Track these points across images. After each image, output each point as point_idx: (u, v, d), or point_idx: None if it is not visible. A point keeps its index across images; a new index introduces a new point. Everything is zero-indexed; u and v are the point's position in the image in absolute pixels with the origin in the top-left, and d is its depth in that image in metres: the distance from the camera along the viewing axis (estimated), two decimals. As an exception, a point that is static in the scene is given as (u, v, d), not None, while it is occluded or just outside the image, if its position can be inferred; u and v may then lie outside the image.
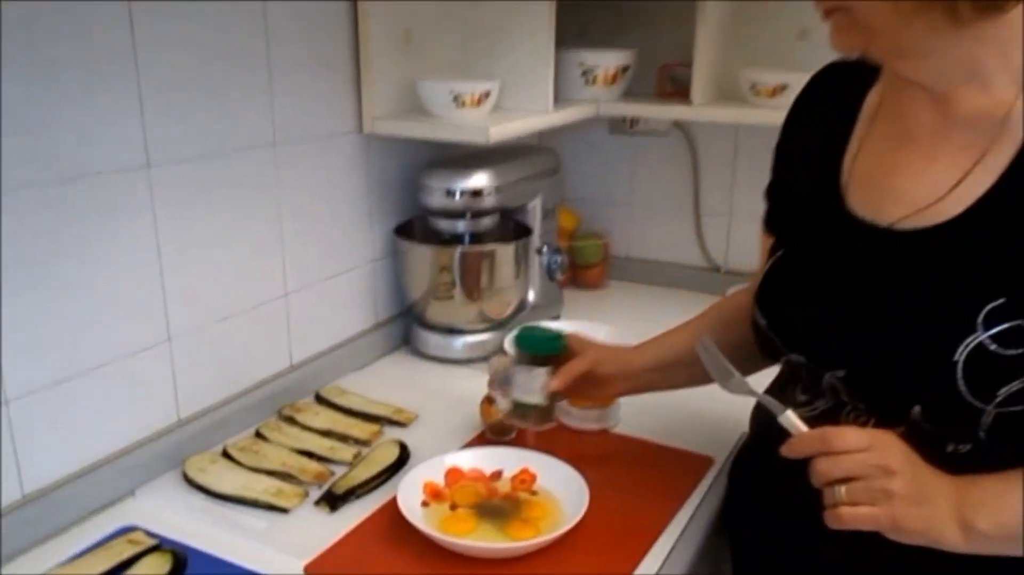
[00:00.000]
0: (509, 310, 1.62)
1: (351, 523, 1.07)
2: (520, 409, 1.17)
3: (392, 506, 1.05)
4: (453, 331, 1.58)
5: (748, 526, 1.10)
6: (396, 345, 1.63)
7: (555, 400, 1.16)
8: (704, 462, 1.23)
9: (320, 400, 1.39)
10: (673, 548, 1.05)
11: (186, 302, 1.20)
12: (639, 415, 1.34)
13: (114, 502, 1.11)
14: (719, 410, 1.32)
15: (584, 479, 1.09)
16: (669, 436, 1.29)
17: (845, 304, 0.89)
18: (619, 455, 1.26)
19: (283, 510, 1.09)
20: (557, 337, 1.17)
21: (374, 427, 1.30)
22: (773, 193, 1.07)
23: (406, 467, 1.20)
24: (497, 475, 1.15)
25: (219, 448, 1.22)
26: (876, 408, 0.88)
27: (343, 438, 1.27)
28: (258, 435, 1.27)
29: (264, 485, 1.13)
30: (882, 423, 0.86)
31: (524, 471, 1.15)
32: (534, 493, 1.12)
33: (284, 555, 1.01)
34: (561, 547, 1.00)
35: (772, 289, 0.99)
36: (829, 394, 0.92)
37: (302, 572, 0.98)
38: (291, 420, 1.31)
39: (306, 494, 1.13)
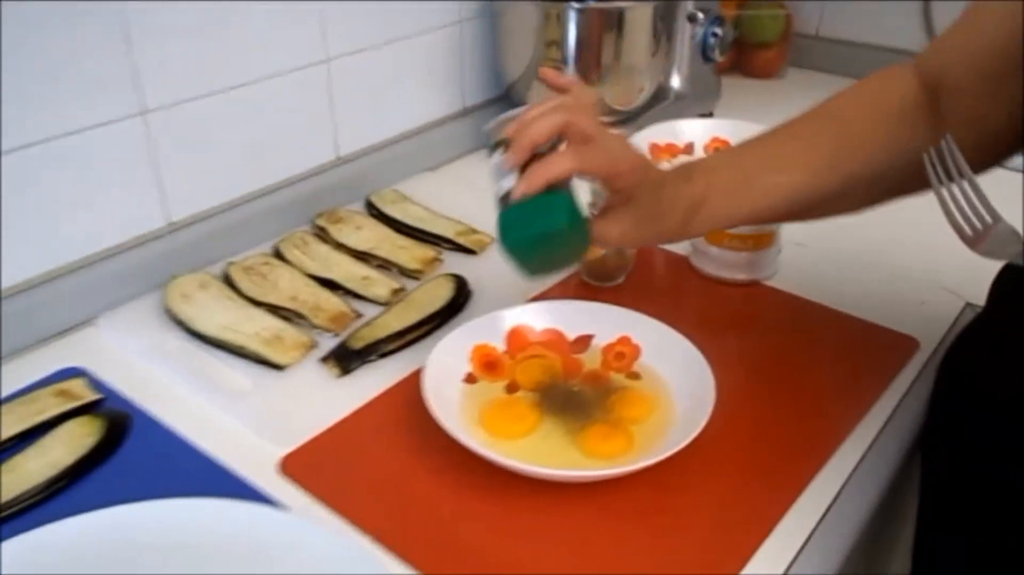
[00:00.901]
0: (641, 98, 1.17)
1: (366, 395, 0.74)
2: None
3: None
4: (562, 125, 1.16)
5: (960, 448, 0.70)
6: (483, 142, 1.24)
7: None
8: (905, 346, 0.81)
9: (370, 208, 1.04)
10: (849, 478, 0.67)
11: (165, 64, 0.85)
12: (803, 263, 0.92)
13: (65, 332, 0.83)
14: (929, 267, 0.88)
15: (709, 364, 0.70)
16: (850, 301, 0.86)
17: None
18: (771, 322, 0.86)
19: (277, 366, 0.78)
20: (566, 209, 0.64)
21: (430, 252, 0.94)
22: None
23: (459, 316, 0.85)
24: (584, 343, 0.78)
25: (220, 267, 0.91)
26: None
27: (384, 265, 0.93)
28: (276, 254, 0.94)
29: (260, 326, 0.81)
30: None
31: (623, 341, 0.77)
32: (635, 376, 0.75)
33: (258, 436, 0.70)
34: (667, 467, 0.64)
35: None
36: None
37: (275, 468, 0.67)
38: (323, 233, 0.98)
39: (313, 344, 0.80)
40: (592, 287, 0.90)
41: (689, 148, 1.07)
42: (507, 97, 1.23)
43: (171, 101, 0.87)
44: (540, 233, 0.64)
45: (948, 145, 0.61)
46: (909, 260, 0.95)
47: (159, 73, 0.85)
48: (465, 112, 1.22)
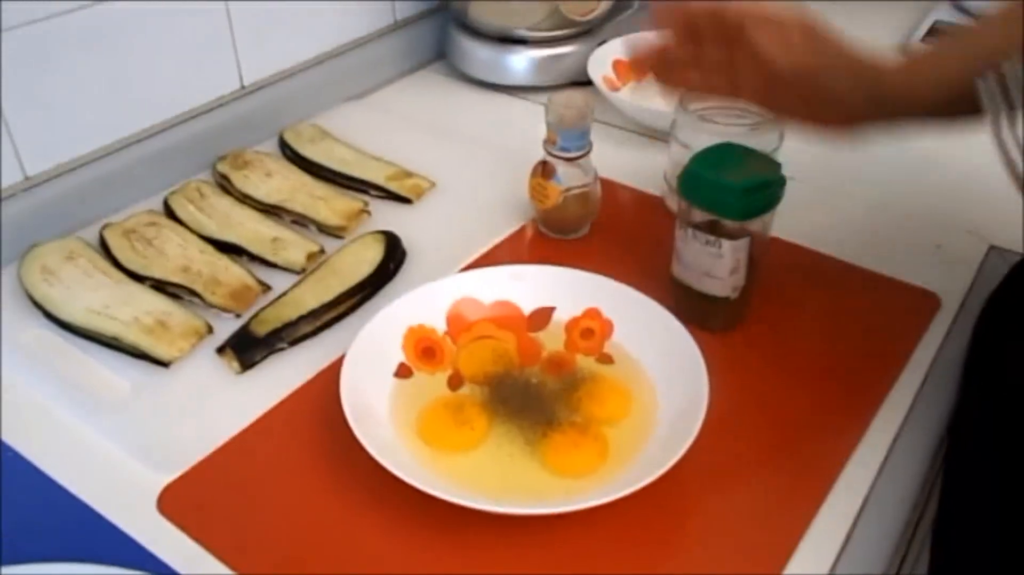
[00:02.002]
0: (601, 8, 1.00)
1: (273, 396, 0.59)
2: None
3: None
4: (508, 40, 0.99)
5: (993, 430, 0.58)
6: (420, 62, 1.06)
7: None
8: (923, 304, 0.68)
9: (284, 149, 0.87)
10: (879, 472, 0.54)
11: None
12: (796, 203, 0.78)
13: None
14: (942, 203, 0.76)
15: (696, 343, 0.56)
16: (853, 248, 0.73)
17: None
18: (765, 279, 0.72)
19: (160, 362, 0.62)
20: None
21: (355, 203, 0.78)
22: None
23: (390, 286, 0.69)
24: (543, 318, 0.64)
25: (95, 229, 0.74)
26: None
27: (300, 221, 0.77)
28: (167, 211, 0.77)
29: (140, 309, 0.65)
30: None
31: (591, 314, 0.62)
32: (606, 359, 0.61)
33: (136, 460, 0.55)
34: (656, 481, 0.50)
35: None
36: None
37: (155, 503, 0.53)
38: (225, 182, 0.81)
39: (207, 330, 0.65)
40: (551, 241, 0.75)
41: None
42: (446, 8, 1.04)
43: (18, 21, 0.68)
44: None
45: (1013, 69, 0.47)
46: (919, 195, 0.81)
47: (-11, -13, 0.66)
48: (396, 27, 1.03)
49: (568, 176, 0.71)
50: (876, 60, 0.55)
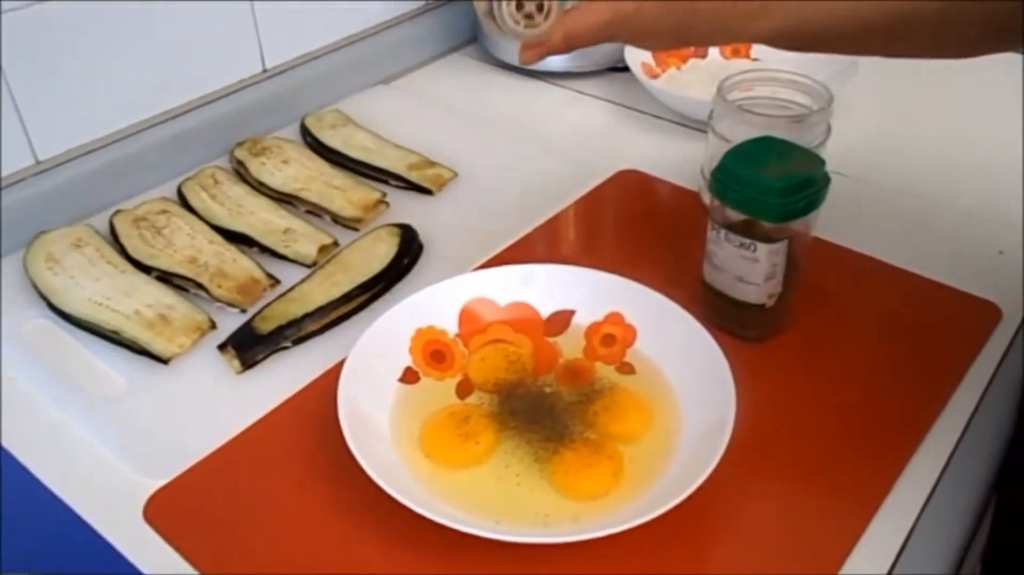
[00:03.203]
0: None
1: (272, 398, 0.56)
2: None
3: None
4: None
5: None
6: (451, 45, 1.02)
7: None
8: (983, 314, 0.62)
9: (305, 135, 0.84)
10: (927, 501, 0.49)
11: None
12: (844, 200, 0.72)
13: None
14: (1004, 204, 0.71)
15: (724, 353, 0.51)
16: (907, 252, 0.67)
17: None
18: (807, 285, 0.66)
19: (159, 359, 0.59)
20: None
21: (373, 194, 0.74)
22: None
23: (403, 282, 0.66)
24: (562, 322, 0.59)
25: (107, 215, 0.72)
26: None
27: (314, 211, 0.73)
28: (180, 199, 0.75)
29: (143, 301, 0.63)
30: None
31: (613, 319, 0.58)
32: (628, 369, 0.56)
33: (126, 464, 0.52)
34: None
35: None
36: None
37: (142, 511, 0.50)
38: (242, 169, 0.78)
39: (210, 325, 0.62)
40: (574, 239, 0.70)
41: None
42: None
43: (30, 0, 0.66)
44: None
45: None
46: (978, 195, 0.74)
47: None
48: (426, 9, 0.99)
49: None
50: None
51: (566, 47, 0.55)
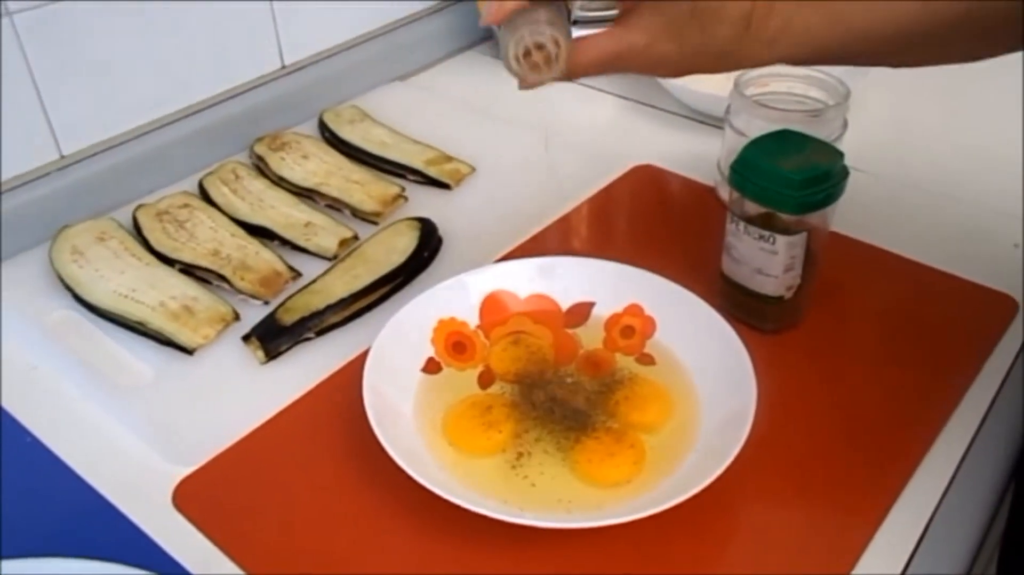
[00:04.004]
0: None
1: (296, 388, 0.57)
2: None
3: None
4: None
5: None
6: (468, 41, 1.03)
7: None
8: (999, 307, 0.62)
9: (323, 130, 0.85)
10: (944, 494, 0.49)
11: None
12: (862, 195, 0.72)
13: (-78, 303, 0.66)
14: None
15: (745, 344, 0.52)
16: (923, 246, 0.67)
17: None
18: (825, 278, 0.67)
19: (184, 349, 0.60)
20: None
21: (392, 188, 0.75)
22: None
23: (423, 276, 0.67)
24: (582, 314, 0.60)
25: (130, 210, 0.73)
26: None
27: (334, 205, 0.74)
28: (201, 192, 0.76)
29: (167, 293, 0.64)
30: None
31: (633, 311, 0.59)
32: (647, 360, 0.57)
33: (155, 452, 0.53)
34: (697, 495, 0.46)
35: None
36: None
37: (171, 498, 0.51)
38: (262, 163, 0.79)
39: (234, 317, 0.63)
40: (592, 231, 0.71)
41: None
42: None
43: (45, -2, 0.67)
44: None
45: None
46: (996, 189, 0.75)
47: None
48: (443, 5, 1.00)
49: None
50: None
51: (569, 78, 0.54)
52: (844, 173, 0.56)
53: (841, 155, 0.56)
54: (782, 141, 0.57)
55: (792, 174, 0.53)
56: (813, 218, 0.56)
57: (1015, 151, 0.79)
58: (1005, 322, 0.61)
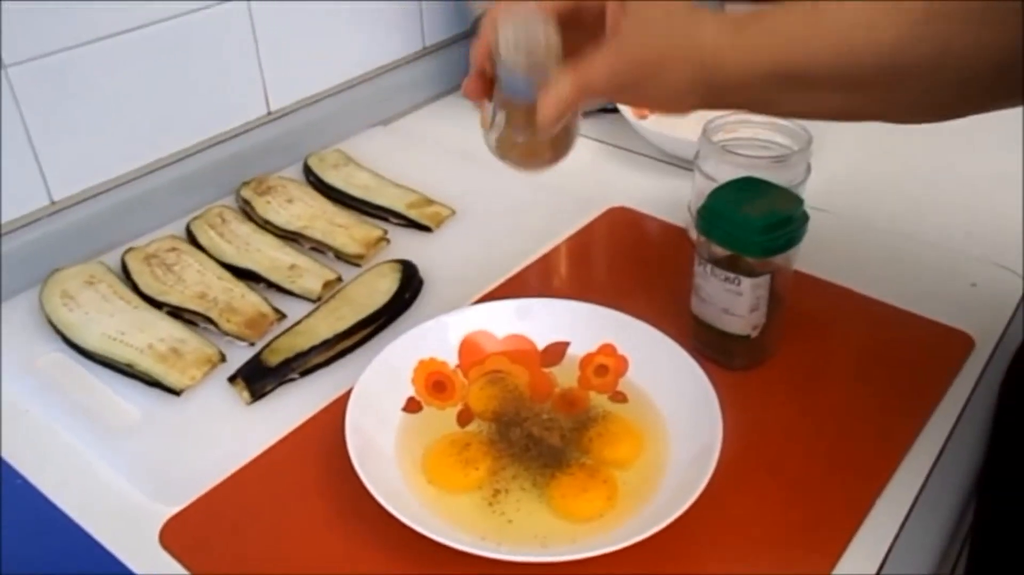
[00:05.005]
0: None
1: (281, 427, 0.59)
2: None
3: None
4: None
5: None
6: (450, 87, 1.06)
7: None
8: (955, 344, 0.65)
9: (308, 174, 0.87)
10: (902, 527, 0.52)
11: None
12: (824, 235, 0.75)
13: (-86, 347, 0.67)
14: (979, 238, 0.73)
15: (712, 383, 0.54)
16: (883, 284, 0.70)
17: None
18: (788, 315, 0.70)
19: (172, 390, 0.62)
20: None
21: (375, 231, 0.78)
22: None
23: (405, 316, 0.69)
24: (557, 353, 0.62)
25: (119, 253, 0.75)
26: None
27: (319, 247, 0.76)
28: (188, 235, 0.78)
29: (155, 335, 0.65)
30: None
31: (606, 351, 0.61)
32: (620, 398, 0.59)
33: (141, 492, 0.55)
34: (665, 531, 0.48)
35: None
36: None
37: (158, 536, 0.52)
38: (248, 207, 0.81)
39: (220, 358, 0.64)
40: (567, 273, 0.74)
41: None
42: (475, 33, 1.04)
43: (39, 52, 0.69)
44: None
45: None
46: (953, 230, 0.78)
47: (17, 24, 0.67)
48: (425, 52, 1.04)
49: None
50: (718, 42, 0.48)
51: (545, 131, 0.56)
52: (804, 218, 0.59)
53: (801, 201, 0.59)
54: (746, 188, 0.60)
55: (755, 220, 0.56)
56: (776, 260, 0.59)
57: (971, 192, 0.82)
58: (962, 358, 0.64)
